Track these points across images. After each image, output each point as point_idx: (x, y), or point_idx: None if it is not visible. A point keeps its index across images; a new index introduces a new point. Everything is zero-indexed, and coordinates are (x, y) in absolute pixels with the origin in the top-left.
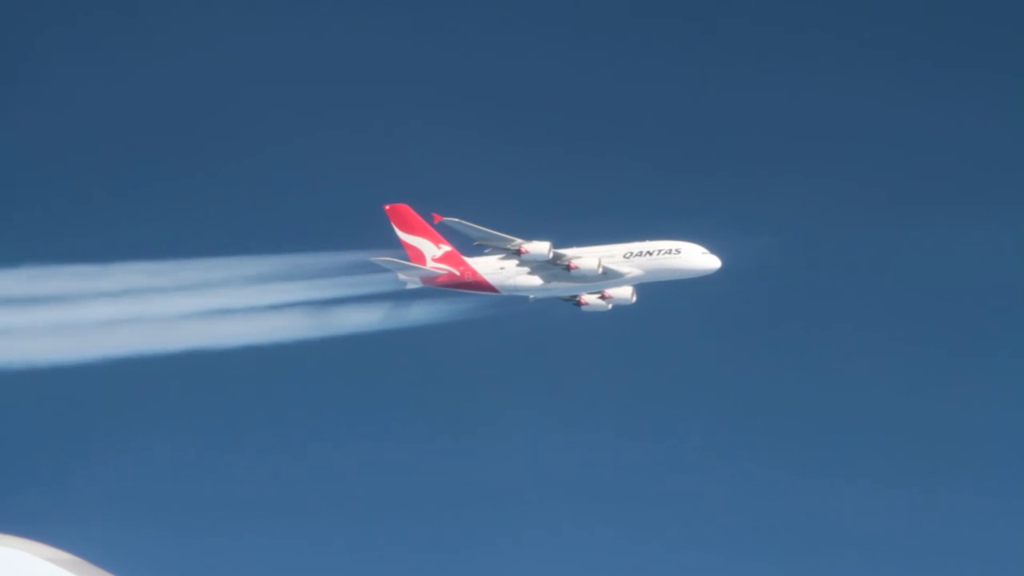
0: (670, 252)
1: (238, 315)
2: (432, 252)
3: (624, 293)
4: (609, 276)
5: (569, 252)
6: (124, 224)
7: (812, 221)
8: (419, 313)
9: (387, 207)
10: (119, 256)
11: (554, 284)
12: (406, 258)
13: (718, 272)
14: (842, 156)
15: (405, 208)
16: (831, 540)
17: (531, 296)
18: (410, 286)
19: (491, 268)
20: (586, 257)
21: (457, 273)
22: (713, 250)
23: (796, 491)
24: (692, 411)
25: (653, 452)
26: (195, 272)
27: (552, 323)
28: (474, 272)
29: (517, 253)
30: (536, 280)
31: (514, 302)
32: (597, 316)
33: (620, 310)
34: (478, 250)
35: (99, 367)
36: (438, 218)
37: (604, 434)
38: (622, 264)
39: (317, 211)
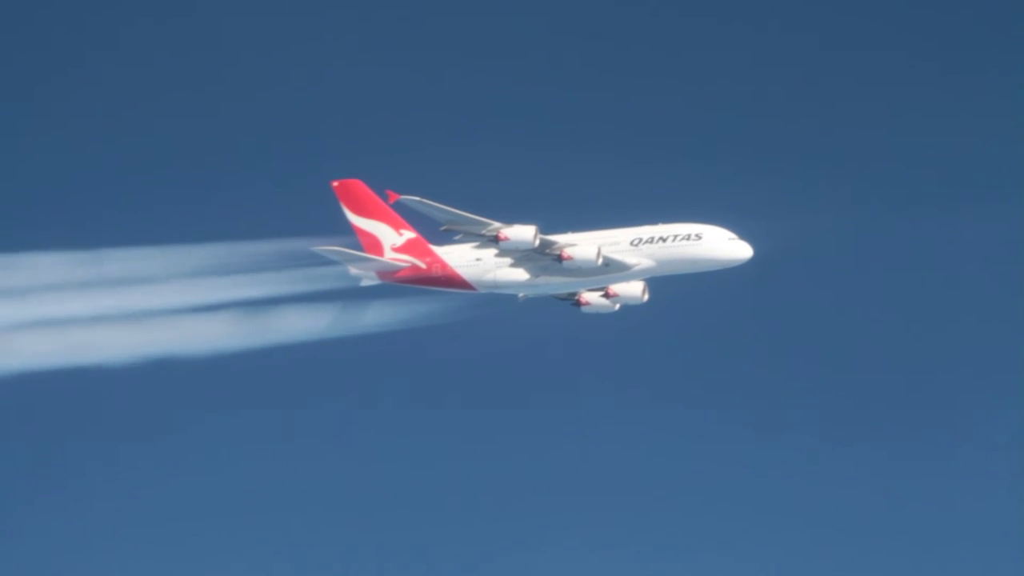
0: (689, 238)
1: (154, 318)
2: (392, 240)
3: (633, 290)
4: (613, 269)
5: (561, 239)
6: (20, 209)
7: (862, 201)
8: (376, 316)
9: (335, 184)
10: (15, 246)
11: (544, 279)
12: (359, 247)
13: (749, 263)
14: (884, 132)
15: (358, 185)
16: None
17: (520, 295)
18: (365, 282)
19: (465, 260)
20: (582, 245)
21: (423, 266)
22: (742, 235)
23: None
24: (717, 432)
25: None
26: (102, 266)
27: (544, 328)
28: (444, 264)
29: (495, 240)
30: (521, 274)
31: (496, 302)
32: (601, 319)
33: (629, 311)
34: (448, 238)
35: None
36: (394, 196)
37: (606, 461)
38: (629, 254)
39: (251, 190)
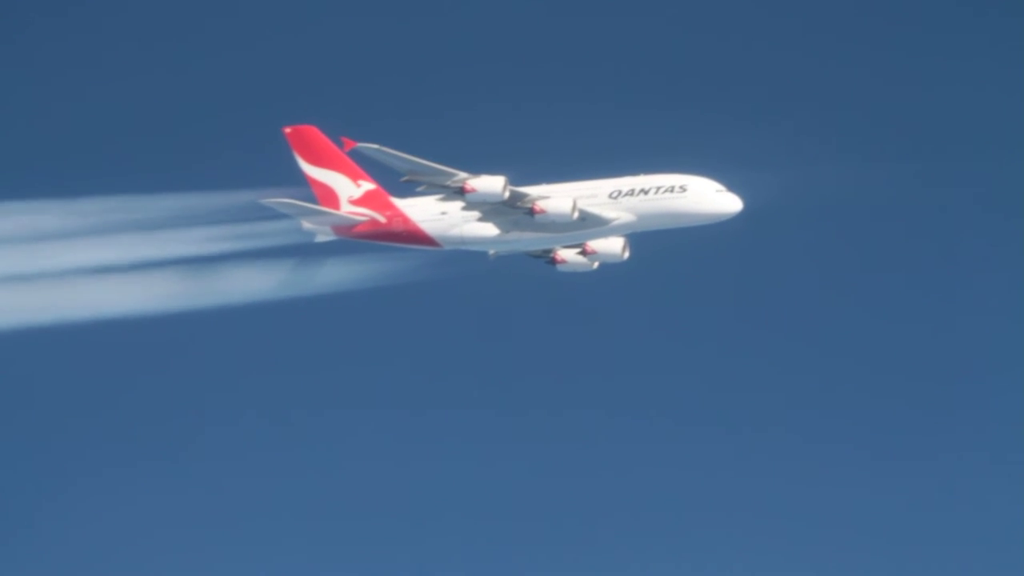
0: (673, 190)
1: (85, 277)
2: (349, 192)
3: (613, 247)
4: (590, 223)
5: (533, 191)
6: None
7: (864, 150)
8: (332, 275)
9: (288, 130)
10: None
11: (515, 235)
12: (313, 199)
13: (738, 217)
14: (889, 76)
15: (312, 131)
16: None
17: (490, 252)
18: (320, 238)
19: (430, 214)
20: (556, 197)
21: (383, 220)
22: (731, 187)
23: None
24: (703, 404)
25: (646, 458)
26: (25, 218)
27: (516, 288)
28: (406, 219)
29: (461, 192)
30: (490, 229)
31: (464, 259)
32: (578, 278)
33: (608, 269)
34: (410, 189)
35: None
36: (349, 144)
37: (580, 440)
38: (607, 207)
39: (194, 136)
